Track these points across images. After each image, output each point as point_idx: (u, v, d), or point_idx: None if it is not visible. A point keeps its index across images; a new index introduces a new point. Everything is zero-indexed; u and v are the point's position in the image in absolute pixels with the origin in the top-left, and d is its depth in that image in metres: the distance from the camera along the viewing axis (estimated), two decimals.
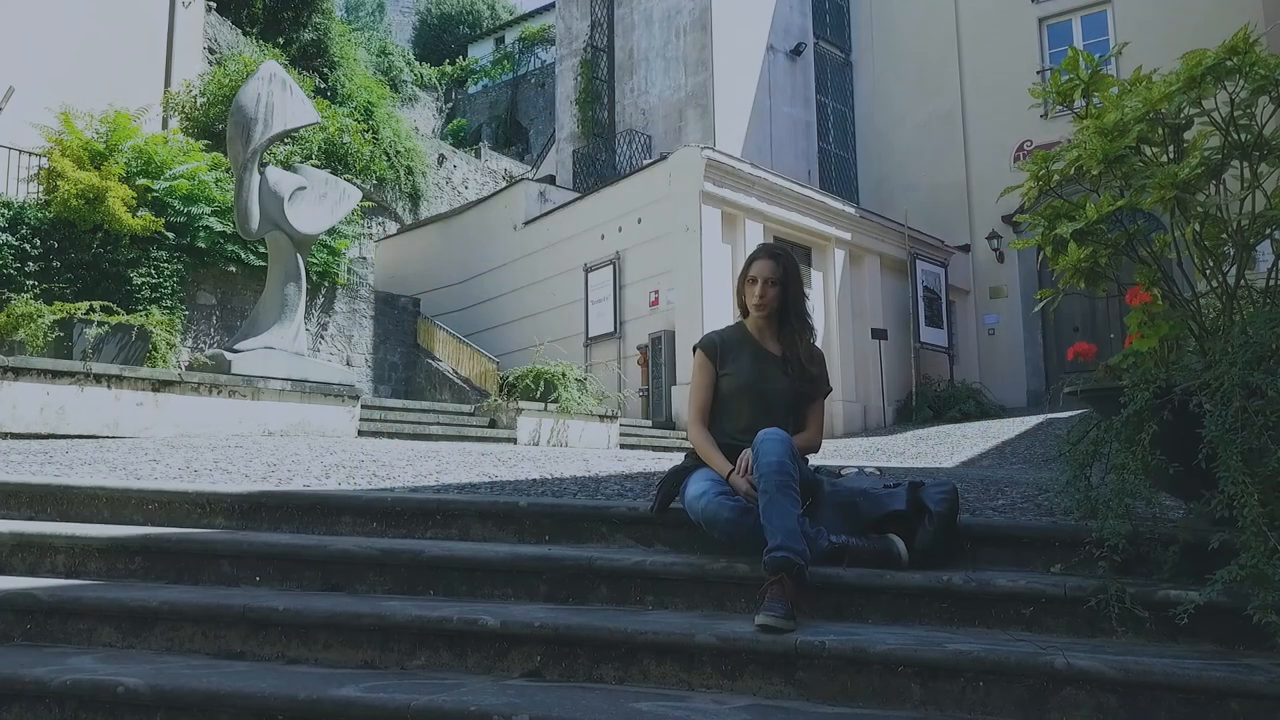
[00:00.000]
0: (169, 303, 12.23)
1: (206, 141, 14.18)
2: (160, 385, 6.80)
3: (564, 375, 9.54)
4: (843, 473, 3.22)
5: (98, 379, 6.51)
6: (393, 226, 28.67)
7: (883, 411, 14.59)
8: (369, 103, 26.36)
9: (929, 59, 18.70)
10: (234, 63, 15.30)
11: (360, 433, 7.96)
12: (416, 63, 43.19)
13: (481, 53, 47.34)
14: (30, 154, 12.23)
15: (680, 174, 12.54)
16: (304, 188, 8.13)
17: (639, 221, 13.40)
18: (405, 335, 15.54)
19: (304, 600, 2.78)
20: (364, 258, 20.98)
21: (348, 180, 14.70)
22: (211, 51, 19.62)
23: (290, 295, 7.91)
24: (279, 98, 7.95)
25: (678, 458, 3.42)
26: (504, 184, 34.77)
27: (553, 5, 47.87)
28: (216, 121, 14.53)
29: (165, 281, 12.23)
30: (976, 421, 13.84)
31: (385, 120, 27.12)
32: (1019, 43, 17.85)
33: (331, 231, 14.33)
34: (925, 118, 18.63)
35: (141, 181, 11.99)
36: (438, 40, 57.34)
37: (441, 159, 31.13)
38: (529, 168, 35.65)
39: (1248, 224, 3.07)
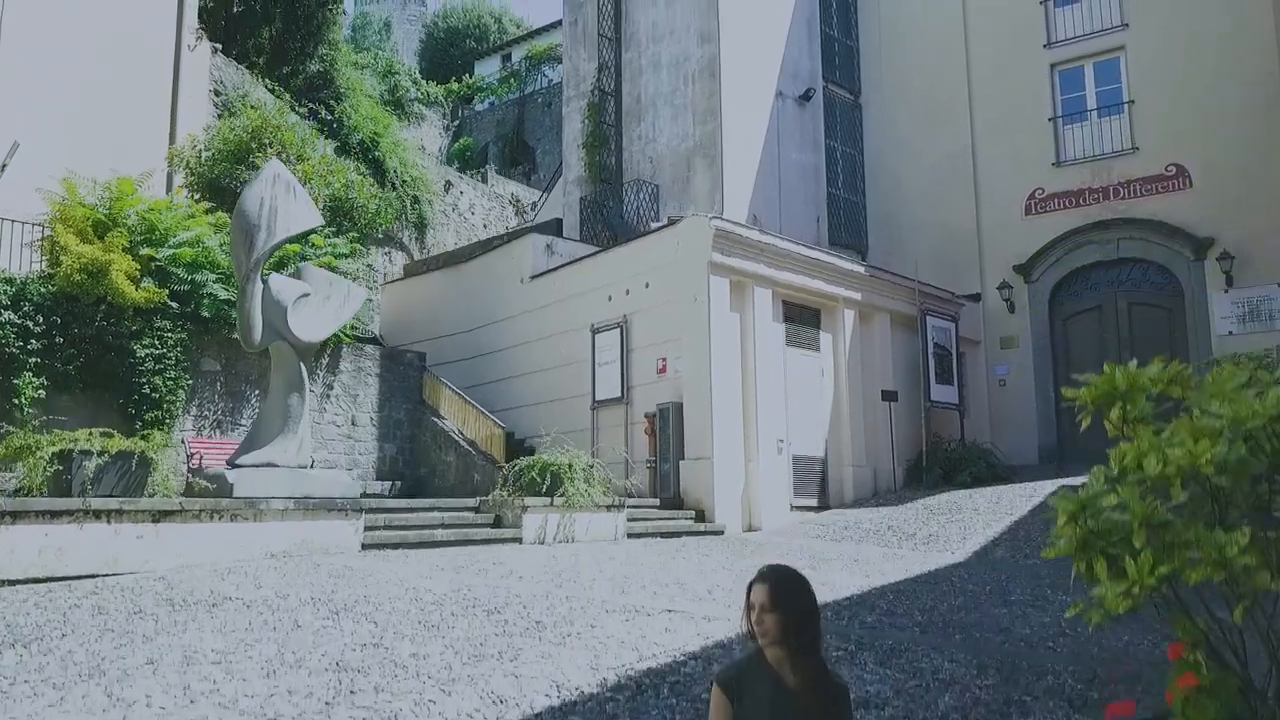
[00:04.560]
0: (173, 373, 12.14)
1: (210, 204, 14.09)
2: (160, 515, 6.69)
3: (570, 467, 9.41)
4: None
5: (97, 514, 6.40)
6: (399, 256, 28.65)
7: (893, 474, 14.42)
8: (375, 134, 26.34)
9: (939, 102, 18.53)
10: (240, 117, 15.19)
11: (364, 546, 7.83)
12: (423, 81, 43.10)
13: (488, 70, 47.28)
14: (33, 224, 12.13)
15: (688, 243, 12.39)
16: (307, 294, 8.00)
17: (646, 286, 13.26)
18: (411, 391, 15.42)
19: None
20: (370, 299, 20.89)
21: (353, 241, 14.66)
22: (217, 94, 19.55)
23: (293, 406, 7.79)
24: (283, 201, 7.84)
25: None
26: (511, 208, 34.64)
27: (559, 23, 47.88)
28: (222, 178, 14.44)
29: (169, 352, 12.13)
30: (988, 487, 13.66)
31: (390, 150, 27.11)
32: (1030, 88, 17.68)
33: None
34: (935, 161, 18.45)
35: (145, 251, 11.89)
36: (444, 54, 57.38)
37: (448, 185, 31.05)
38: (536, 193, 35.59)
39: None
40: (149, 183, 13.14)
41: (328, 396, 14.29)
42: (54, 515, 6.22)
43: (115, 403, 11.79)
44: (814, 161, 18.00)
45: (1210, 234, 15.61)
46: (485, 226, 32.90)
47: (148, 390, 11.86)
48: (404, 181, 27.53)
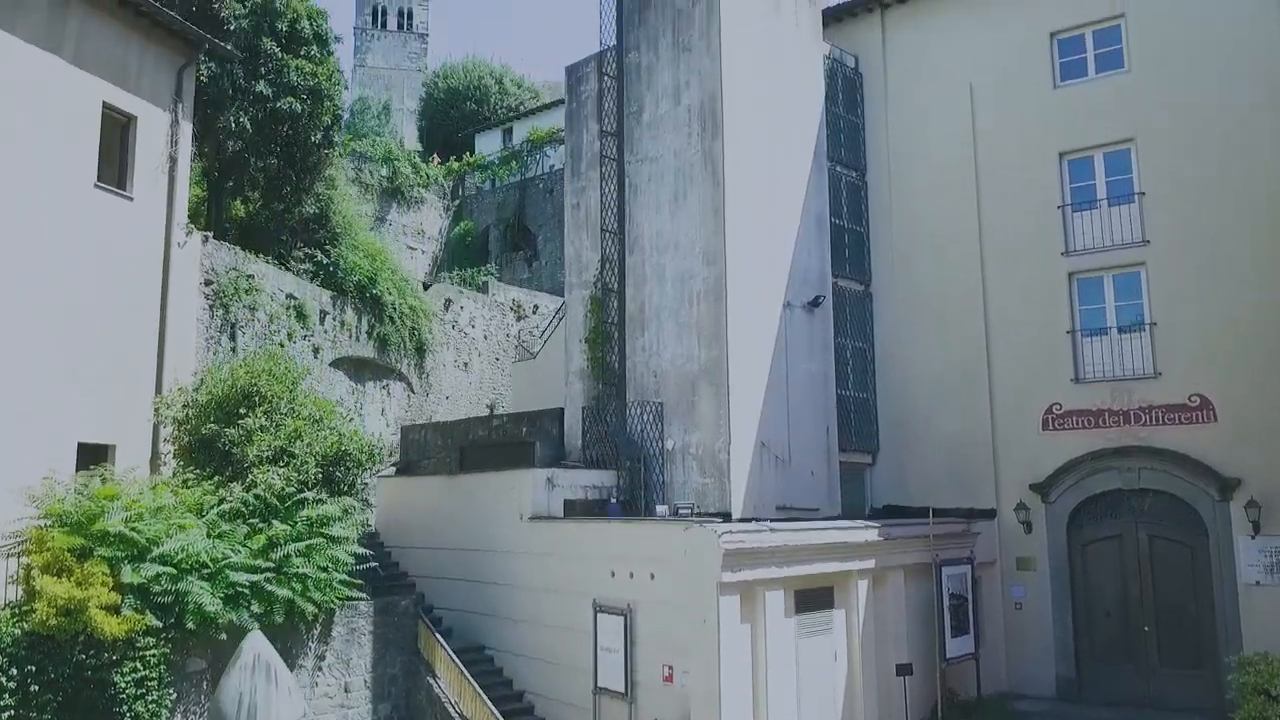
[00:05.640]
0: (155, 694, 11.57)
1: (195, 473, 13.56)
2: None
3: None
4: None
5: None
6: (398, 388, 28.14)
7: None
8: (371, 274, 25.88)
9: (952, 299, 17.97)
10: (228, 366, 14.64)
11: None
12: (423, 165, 42.54)
13: (489, 145, 46.69)
14: (6, 554, 11.56)
15: (696, 556, 11.83)
16: None
17: (651, 577, 12.69)
18: (406, 641, 14.85)
19: None
20: (366, 483, 20.28)
21: (345, 505, 14.08)
22: (208, 283, 19.02)
23: None
24: (263, 694, 7.35)
25: None
26: (512, 314, 34.09)
27: (561, 102, 47.35)
28: (210, 436, 13.87)
29: (151, 671, 11.56)
30: None
31: (388, 283, 26.64)
32: (1047, 295, 17.12)
33: (329, 562, 13.65)
34: (948, 361, 17.88)
35: (128, 579, 11.32)
36: (444, 115, 56.98)
37: (448, 303, 30.60)
38: (537, 295, 35.07)
39: None
40: (136, 431, 12.74)
41: (319, 669, 13.73)
42: None
43: None
44: (822, 369, 17.41)
45: (1236, 474, 15.05)
46: (486, 337, 32.47)
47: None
48: (402, 314, 27.09)
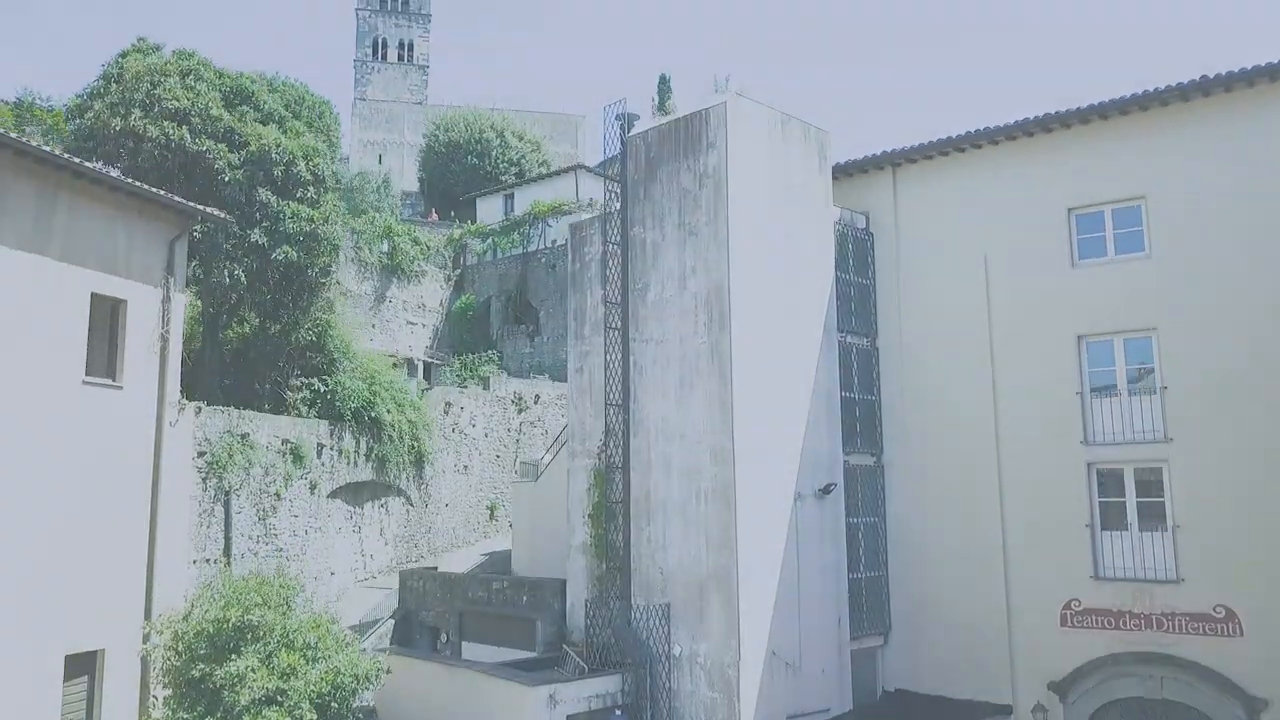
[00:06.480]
0: None
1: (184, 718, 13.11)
2: None
3: None
4: None
5: None
6: (396, 503, 27.64)
7: None
8: (369, 398, 25.45)
9: (967, 479, 17.38)
10: (219, 594, 14.12)
11: None
12: (423, 238, 42.05)
13: (490, 212, 46.18)
14: None
15: None
16: None
17: None
18: None
19: None
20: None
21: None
22: (201, 454, 18.53)
23: None
24: None
25: None
26: (513, 407, 33.59)
27: (568, 171, 46.81)
28: (201, 678, 13.38)
29: None
30: None
31: (386, 403, 26.20)
32: (1066, 485, 16.50)
33: None
34: (962, 544, 17.29)
35: None
36: (444, 168, 56.52)
37: (447, 407, 30.14)
38: (540, 384, 34.57)
39: None
40: (127, 631, 12.77)
41: None
42: None
43: None
44: (834, 558, 16.87)
45: (1264, 695, 14.49)
46: (486, 435, 32.05)
47: None
48: (400, 432, 26.63)
